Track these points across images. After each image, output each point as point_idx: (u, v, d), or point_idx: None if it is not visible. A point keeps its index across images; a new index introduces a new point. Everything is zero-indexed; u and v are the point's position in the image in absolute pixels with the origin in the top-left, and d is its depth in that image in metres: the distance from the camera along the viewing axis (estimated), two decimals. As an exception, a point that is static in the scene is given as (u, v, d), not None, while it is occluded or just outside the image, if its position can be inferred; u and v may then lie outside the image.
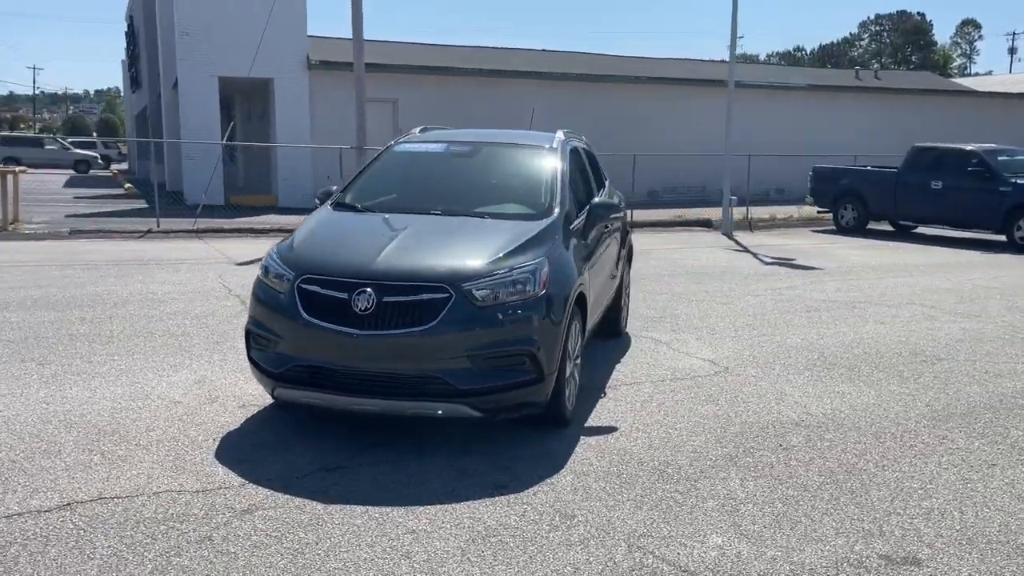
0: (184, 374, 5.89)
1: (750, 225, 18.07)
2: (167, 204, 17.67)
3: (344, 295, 4.40)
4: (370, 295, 4.36)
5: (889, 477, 4.41)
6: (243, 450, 4.51)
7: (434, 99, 22.05)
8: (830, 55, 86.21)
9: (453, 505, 3.90)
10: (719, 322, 8.18)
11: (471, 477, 4.23)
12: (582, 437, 4.83)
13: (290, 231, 5.50)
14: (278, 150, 21.14)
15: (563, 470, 4.36)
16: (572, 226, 5.40)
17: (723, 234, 16.73)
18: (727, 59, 19.27)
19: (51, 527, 3.55)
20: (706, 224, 18.30)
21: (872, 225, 17.76)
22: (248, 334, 4.76)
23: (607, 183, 7.11)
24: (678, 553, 3.50)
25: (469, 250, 4.72)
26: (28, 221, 15.57)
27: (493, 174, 5.98)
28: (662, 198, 24.22)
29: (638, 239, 9.65)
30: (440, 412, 4.43)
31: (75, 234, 14.20)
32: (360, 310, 4.35)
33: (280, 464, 4.33)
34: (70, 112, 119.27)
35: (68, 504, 3.77)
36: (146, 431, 4.75)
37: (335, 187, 5.98)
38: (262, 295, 4.72)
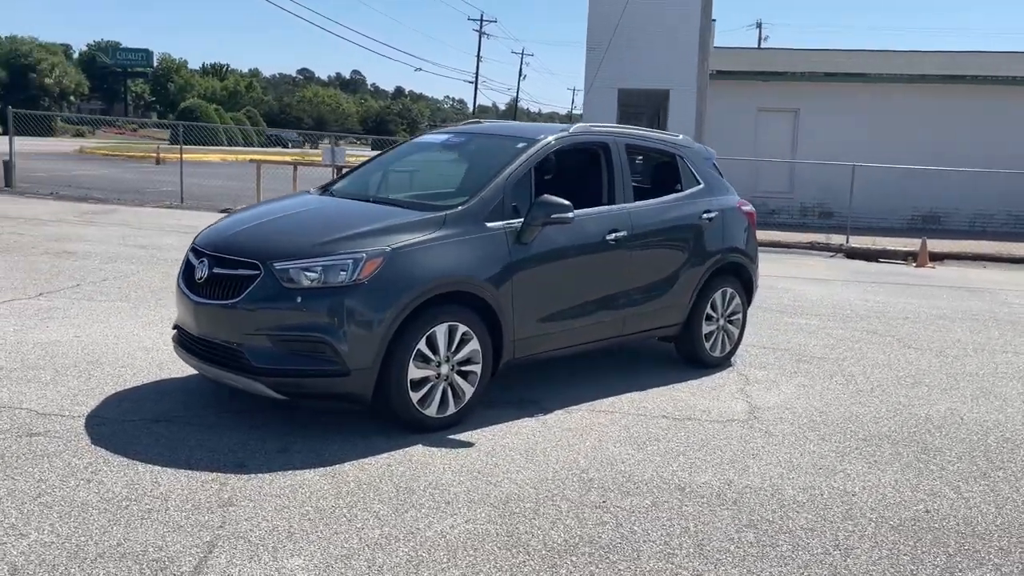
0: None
1: None
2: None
3: (195, 264, 4.77)
4: (205, 265, 4.66)
5: None
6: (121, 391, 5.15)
7: (840, 107, 20.29)
8: None
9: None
10: (875, 375, 6.55)
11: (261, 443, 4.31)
12: (410, 438, 4.51)
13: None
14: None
15: (347, 470, 4.18)
16: (497, 224, 4.96)
17: None
18: None
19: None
20: None
21: None
22: None
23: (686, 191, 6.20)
24: None
25: (314, 232, 4.70)
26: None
27: (459, 166, 5.73)
28: None
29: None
30: (241, 387, 4.54)
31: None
32: (198, 279, 4.69)
33: (117, 407, 4.87)
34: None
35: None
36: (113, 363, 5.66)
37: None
38: None
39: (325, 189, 5.80)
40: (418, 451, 4.44)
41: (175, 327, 5.00)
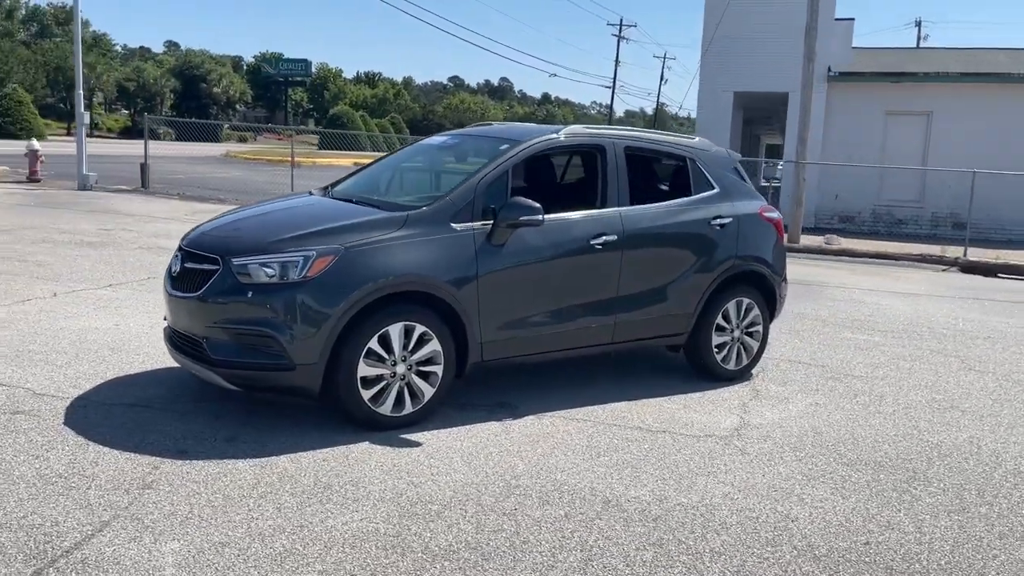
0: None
1: None
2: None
3: (175, 260, 5.02)
4: (179, 260, 4.90)
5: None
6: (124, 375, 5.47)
7: (978, 109, 18.88)
8: None
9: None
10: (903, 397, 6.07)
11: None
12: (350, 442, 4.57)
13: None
14: (786, 166, 20.63)
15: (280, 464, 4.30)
16: (464, 226, 4.95)
17: None
18: None
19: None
20: None
21: None
22: None
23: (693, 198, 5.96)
24: None
25: (277, 230, 4.82)
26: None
27: (444, 167, 5.72)
28: None
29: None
30: (204, 377, 4.73)
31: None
32: (173, 273, 4.93)
33: (106, 391, 5.17)
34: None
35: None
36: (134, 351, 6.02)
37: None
38: None
39: (326, 189, 5.95)
40: (361, 448, 4.49)
41: (165, 319, 5.28)
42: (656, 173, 6.21)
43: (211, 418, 4.80)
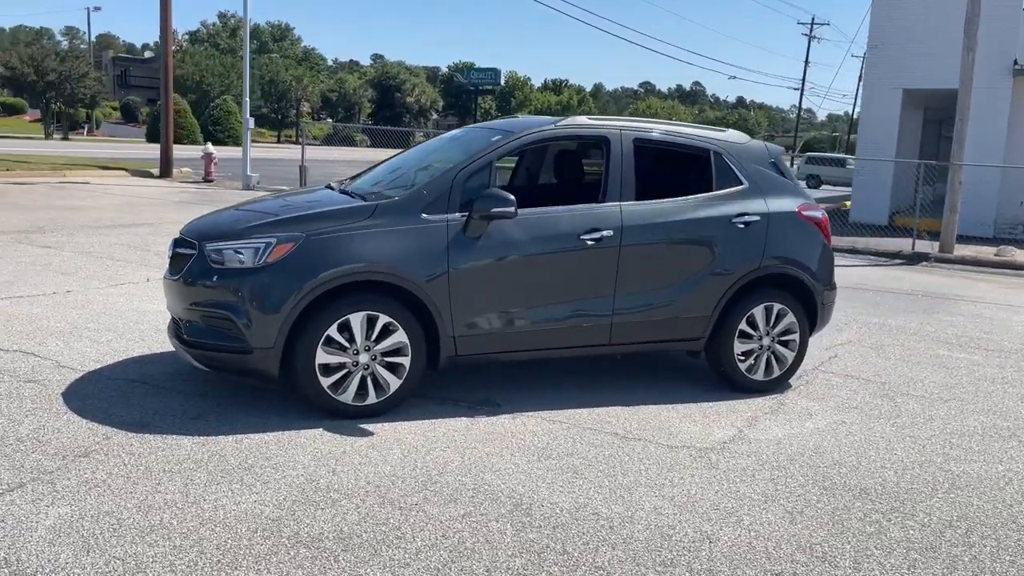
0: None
1: None
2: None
3: (170, 245, 5.28)
4: (171, 246, 5.15)
5: None
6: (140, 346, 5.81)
7: None
8: None
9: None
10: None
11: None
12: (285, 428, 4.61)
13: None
14: (965, 169, 18.81)
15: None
16: (437, 217, 4.87)
17: None
18: None
19: (-19, 356, 5.64)
20: None
21: None
22: None
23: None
24: None
25: (253, 218, 4.94)
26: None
27: (445, 160, 5.60)
28: None
29: None
30: (182, 357, 4.94)
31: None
32: (168, 257, 5.20)
33: (118, 367, 5.51)
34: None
35: None
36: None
37: None
38: None
39: (343, 183, 6.07)
40: (311, 434, 4.52)
41: None
42: (673, 167, 5.82)
43: (194, 397, 5.00)
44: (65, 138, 48.43)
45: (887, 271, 12.92)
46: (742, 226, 5.55)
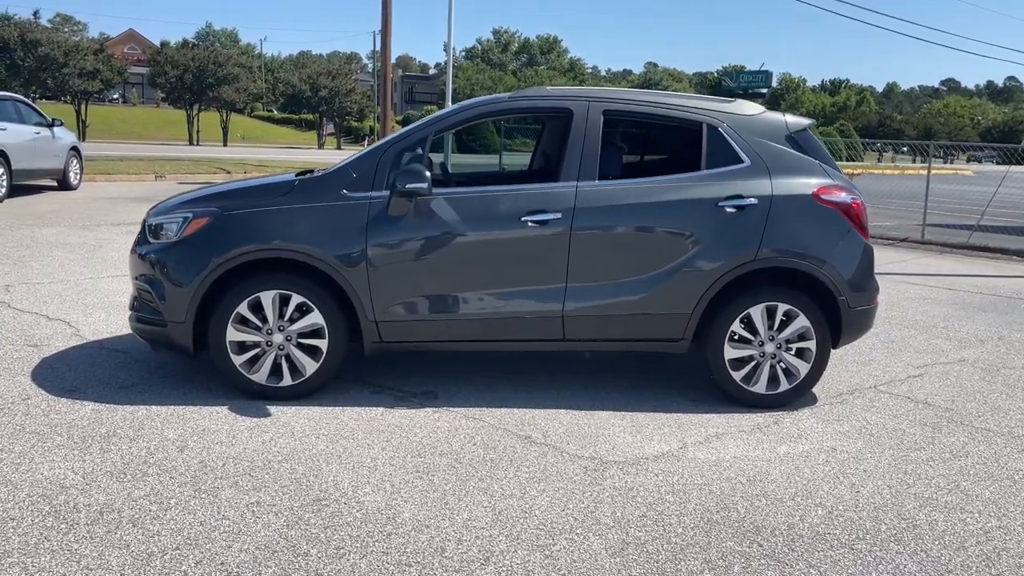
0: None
1: None
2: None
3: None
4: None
5: None
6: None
7: None
8: None
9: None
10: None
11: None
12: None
13: None
14: None
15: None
16: (359, 195, 4.61)
17: None
18: None
19: None
20: None
21: None
22: None
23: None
24: None
25: (192, 196, 4.97)
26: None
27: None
28: None
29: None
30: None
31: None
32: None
33: (128, 341, 5.78)
34: None
35: None
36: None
37: None
38: None
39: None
40: (202, 411, 4.41)
41: None
42: (655, 144, 5.07)
43: (150, 369, 5.14)
44: (338, 147, 53.45)
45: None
46: (732, 210, 4.72)
